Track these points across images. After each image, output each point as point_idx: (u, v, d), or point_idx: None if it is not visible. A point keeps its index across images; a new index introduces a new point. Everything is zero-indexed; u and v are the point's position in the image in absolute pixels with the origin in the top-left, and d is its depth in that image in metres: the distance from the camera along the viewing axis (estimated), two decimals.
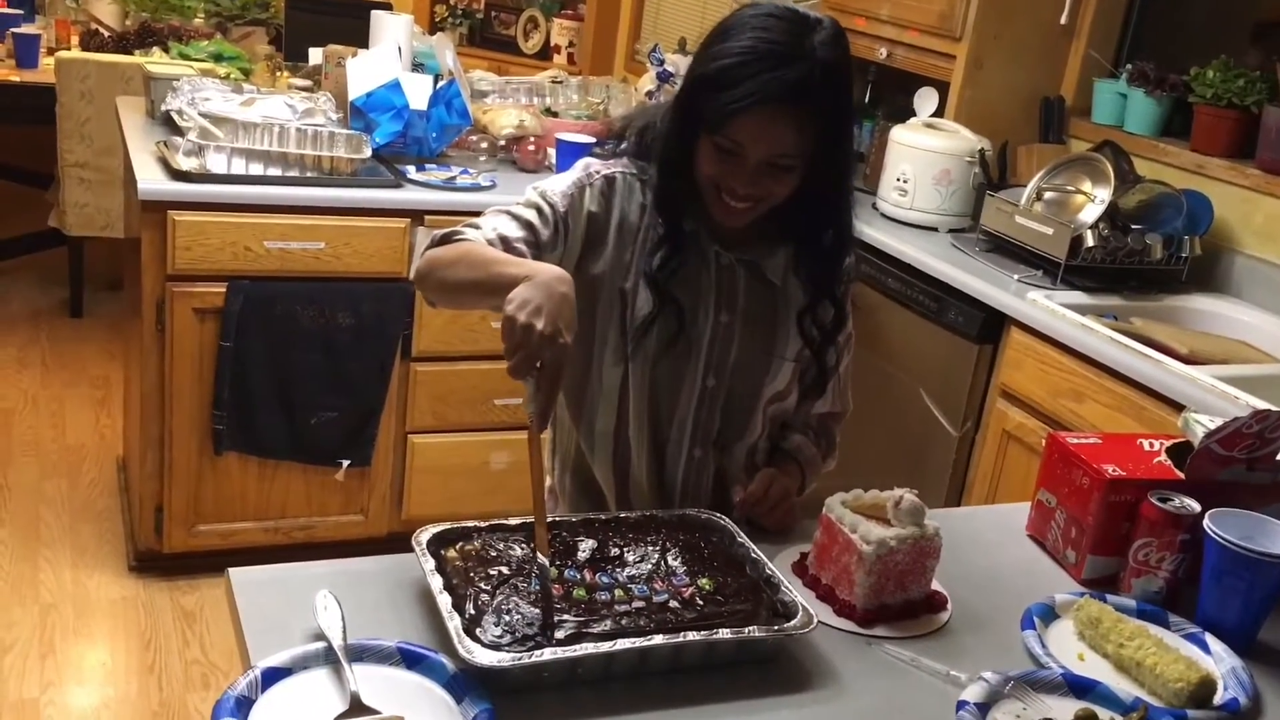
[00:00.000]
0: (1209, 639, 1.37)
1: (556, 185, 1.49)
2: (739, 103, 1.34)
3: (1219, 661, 1.34)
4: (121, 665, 2.66)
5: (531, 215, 1.45)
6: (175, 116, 2.90)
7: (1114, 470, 1.46)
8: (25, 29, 4.38)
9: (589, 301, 1.49)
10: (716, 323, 1.52)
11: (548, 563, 1.24)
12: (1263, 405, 2.07)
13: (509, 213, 1.45)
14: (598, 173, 1.51)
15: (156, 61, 3.86)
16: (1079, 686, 1.25)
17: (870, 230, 3.07)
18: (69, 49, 4.48)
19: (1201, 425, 1.53)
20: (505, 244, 1.39)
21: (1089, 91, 3.23)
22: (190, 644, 2.74)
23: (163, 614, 2.83)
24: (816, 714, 1.20)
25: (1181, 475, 1.48)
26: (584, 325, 1.48)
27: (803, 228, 1.51)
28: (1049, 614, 1.40)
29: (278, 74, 3.71)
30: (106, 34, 4.52)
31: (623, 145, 1.54)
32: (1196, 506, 1.42)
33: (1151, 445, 1.56)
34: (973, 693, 1.21)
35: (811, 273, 1.53)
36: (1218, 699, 1.27)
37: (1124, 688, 1.27)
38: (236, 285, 2.72)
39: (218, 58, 4.18)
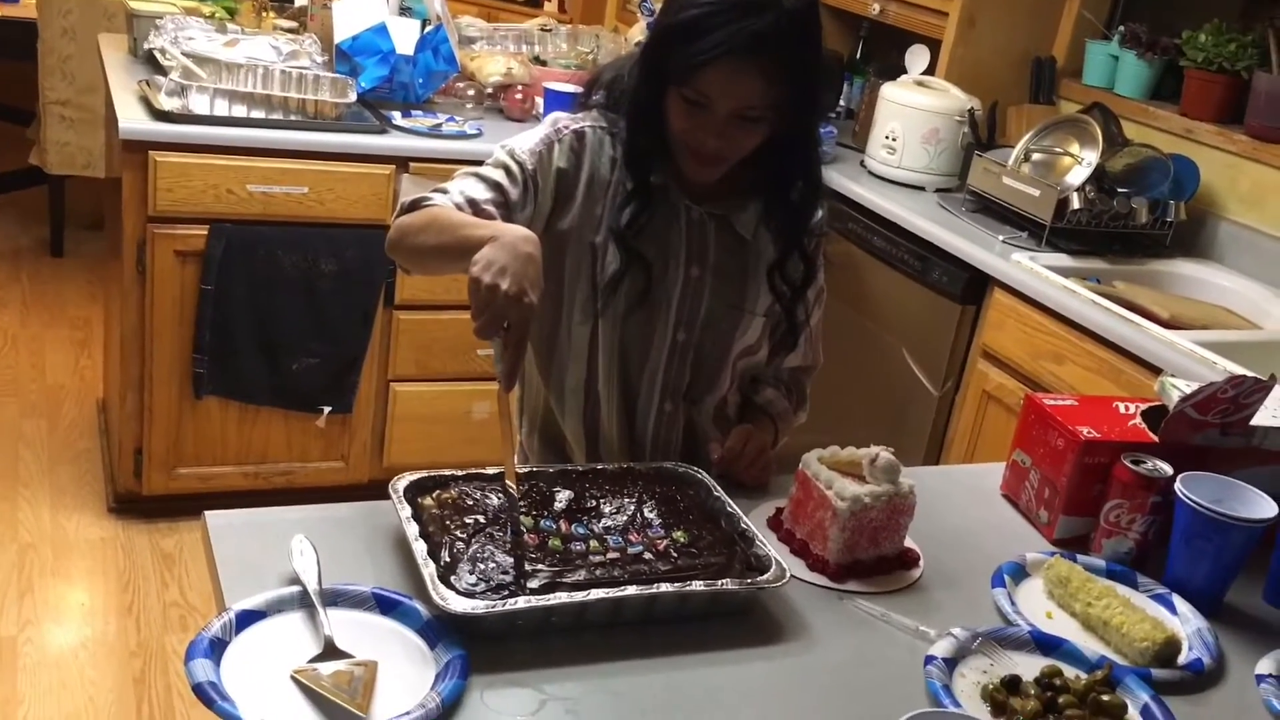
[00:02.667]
0: (1176, 600, 1.39)
1: (525, 143, 1.48)
2: (706, 54, 1.33)
3: (1185, 622, 1.36)
4: (100, 606, 2.67)
5: (499, 175, 1.44)
6: (158, 55, 2.86)
7: (1089, 432, 1.47)
8: None
9: (558, 257, 1.49)
10: (687, 277, 1.52)
11: (516, 491, 1.26)
12: (1239, 370, 2.09)
13: (476, 174, 1.45)
14: (566, 128, 1.50)
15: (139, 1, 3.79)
16: (1046, 644, 1.27)
17: (857, 188, 3.07)
18: None
19: (1177, 389, 1.54)
20: (473, 207, 1.39)
21: (1081, 52, 3.21)
22: (169, 586, 2.75)
23: (141, 555, 2.84)
24: (787, 666, 1.21)
25: (1156, 438, 1.49)
26: (553, 281, 1.48)
27: (772, 181, 1.50)
28: (1019, 572, 1.42)
29: (264, 14, 3.66)
30: None
31: (593, 98, 1.53)
32: (1169, 469, 1.43)
33: (1127, 408, 1.57)
34: (941, 648, 1.22)
35: (781, 226, 1.53)
36: (1182, 659, 1.29)
37: (1090, 646, 1.29)
38: (218, 228, 2.70)
39: None
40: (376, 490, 1.33)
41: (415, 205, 1.39)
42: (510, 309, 1.21)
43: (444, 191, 1.42)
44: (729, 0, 1.34)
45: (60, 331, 3.87)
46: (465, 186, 1.42)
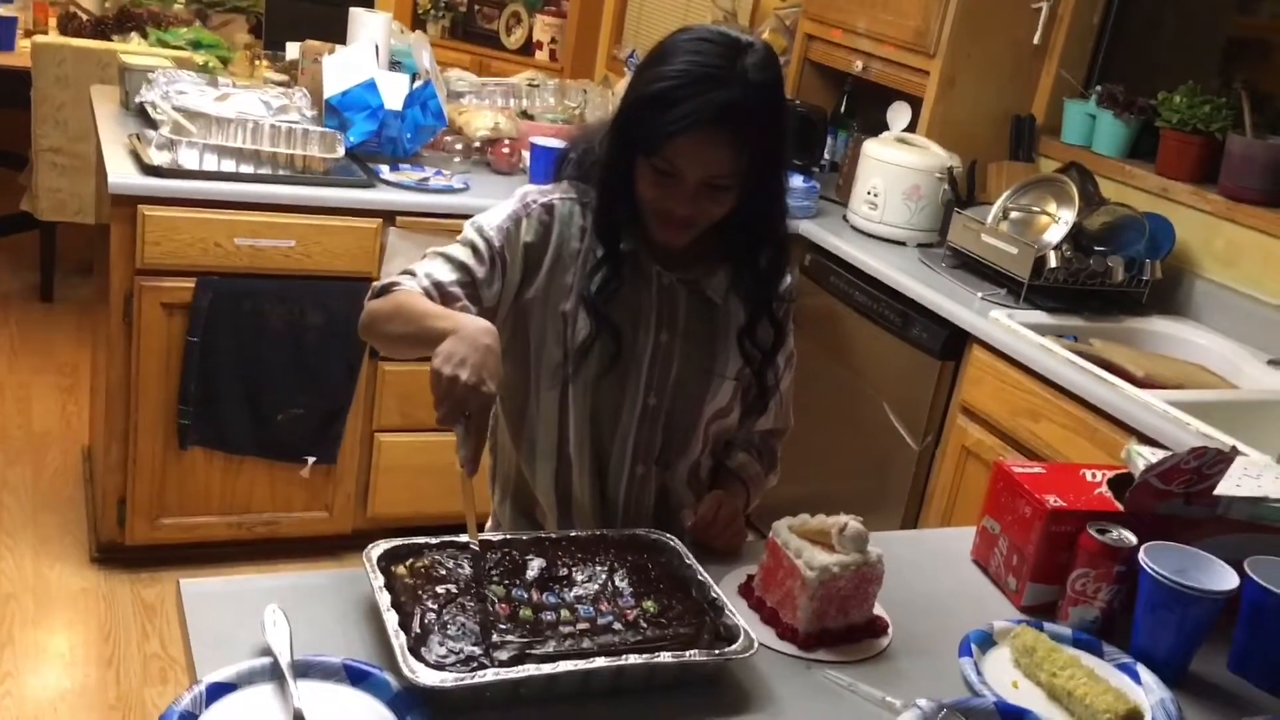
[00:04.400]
0: (1141, 670, 1.41)
1: (493, 219, 1.53)
2: (674, 125, 1.37)
3: (1149, 692, 1.37)
4: (80, 657, 2.67)
5: (466, 255, 1.49)
6: (149, 109, 2.90)
7: (1055, 501, 1.50)
8: (2, 10, 4.35)
9: (528, 325, 1.54)
10: (657, 342, 1.55)
11: (477, 544, 1.31)
12: (1212, 431, 2.12)
13: (444, 255, 1.50)
14: (535, 202, 1.54)
15: (133, 51, 3.85)
16: (1010, 714, 1.28)
17: (839, 242, 3.11)
18: (46, 32, 4.46)
19: (1143, 458, 1.56)
20: (439, 289, 1.45)
21: (1059, 111, 3.27)
22: (150, 637, 2.75)
23: (123, 606, 2.84)
24: None
25: (1121, 507, 1.51)
26: (523, 348, 1.54)
27: (740, 247, 1.54)
28: (987, 641, 1.43)
29: (256, 63, 3.71)
30: (85, 18, 4.50)
31: (565, 169, 1.57)
32: (1133, 539, 1.45)
33: (1094, 476, 1.59)
34: (907, 719, 1.24)
35: (750, 292, 1.57)
36: None
37: (1055, 717, 1.30)
38: (205, 281, 2.73)
39: (196, 45, 4.18)
40: (360, 540, 1.35)
41: (384, 290, 1.44)
42: (470, 398, 1.26)
43: (411, 274, 1.47)
44: (696, 73, 1.38)
45: (48, 378, 3.88)
46: (432, 269, 1.48)
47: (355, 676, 1.18)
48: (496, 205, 1.55)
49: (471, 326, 1.31)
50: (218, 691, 1.13)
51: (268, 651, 1.18)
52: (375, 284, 1.47)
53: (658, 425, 1.57)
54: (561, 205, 1.54)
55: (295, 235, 2.79)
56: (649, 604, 1.32)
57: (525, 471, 1.60)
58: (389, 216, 2.87)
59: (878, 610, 1.44)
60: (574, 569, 1.36)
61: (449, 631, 1.21)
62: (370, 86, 3.00)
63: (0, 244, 4.67)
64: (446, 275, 1.47)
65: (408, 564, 1.32)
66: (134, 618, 2.80)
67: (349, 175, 2.91)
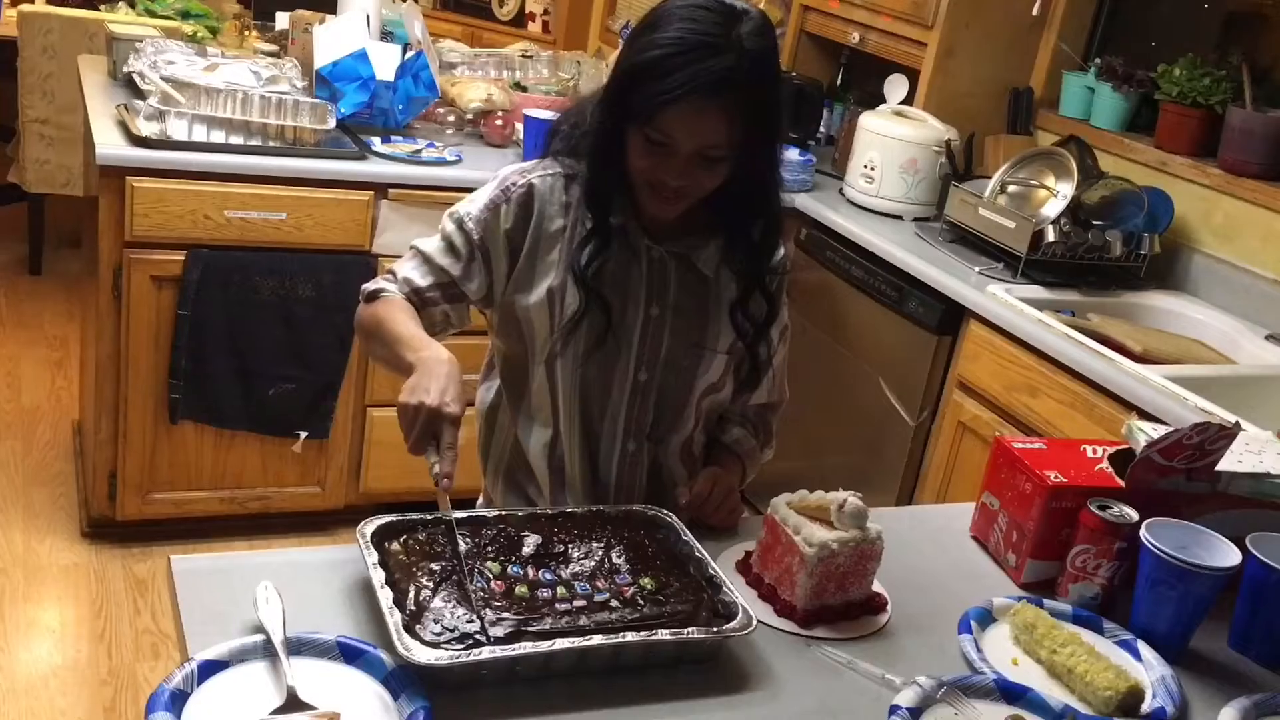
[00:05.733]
0: (1141, 646, 1.40)
1: (472, 209, 1.52)
2: (668, 94, 1.34)
3: (1149, 669, 1.37)
4: (71, 633, 2.65)
5: (442, 254, 1.52)
6: (137, 79, 2.86)
7: (1056, 477, 1.48)
8: None
9: (513, 305, 1.53)
10: (647, 316, 1.53)
11: (452, 517, 1.32)
12: (1210, 406, 2.11)
13: (423, 254, 1.53)
14: (514, 185, 1.52)
15: (120, 20, 3.79)
16: (1010, 692, 1.27)
17: (835, 216, 3.08)
18: (33, 1, 4.40)
19: (1144, 434, 1.55)
20: (418, 295, 1.50)
21: (1058, 84, 3.24)
22: (141, 612, 2.73)
23: (114, 581, 2.82)
24: (751, 715, 1.21)
25: (1122, 483, 1.50)
26: (516, 326, 1.54)
27: (733, 219, 1.52)
28: (986, 618, 1.42)
29: (246, 34, 3.66)
30: None
31: (553, 142, 1.55)
32: (1134, 515, 1.44)
33: (1095, 452, 1.58)
34: (906, 697, 1.23)
35: (742, 265, 1.54)
36: (1145, 707, 1.29)
37: (1055, 694, 1.29)
38: (196, 254, 2.70)
39: (185, 15, 4.12)
40: (352, 515, 1.35)
41: (372, 296, 1.49)
42: (435, 421, 1.28)
43: (393, 276, 1.52)
44: (690, 41, 1.35)
45: (37, 351, 3.85)
46: (410, 273, 1.52)
47: (349, 654, 1.16)
48: (478, 190, 1.54)
49: (432, 359, 1.33)
50: (210, 669, 1.11)
51: (260, 629, 1.17)
52: (365, 287, 1.51)
53: (649, 401, 1.56)
54: (541, 183, 1.51)
55: (286, 208, 2.76)
56: (646, 581, 1.30)
57: (521, 439, 1.59)
58: (381, 189, 2.84)
59: (876, 587, 1.42)
60: (570, 545, 1.35)
61: (444, 609, 1.19)
62: (361, 57, 2.96)
63: None
64: (423, 280, 1.51)
65: (402, 541, 1.30)
66: (125, 593, 2.79)
67: (340, 147, 2.88)
